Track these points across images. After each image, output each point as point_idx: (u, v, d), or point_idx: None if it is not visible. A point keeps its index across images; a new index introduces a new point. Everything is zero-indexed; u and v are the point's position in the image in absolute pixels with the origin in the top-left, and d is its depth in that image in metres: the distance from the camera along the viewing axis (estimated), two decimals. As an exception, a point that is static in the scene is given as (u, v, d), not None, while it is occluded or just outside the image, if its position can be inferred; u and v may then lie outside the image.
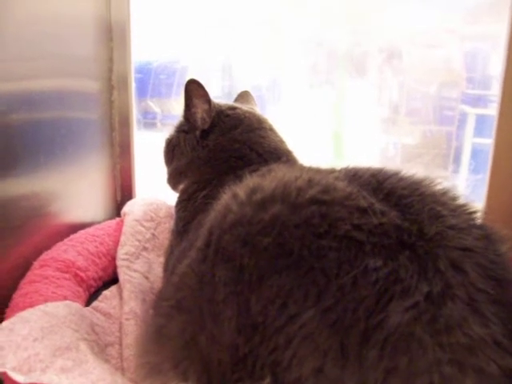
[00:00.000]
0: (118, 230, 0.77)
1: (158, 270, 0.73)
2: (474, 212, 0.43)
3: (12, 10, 0.63)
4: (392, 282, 0.35)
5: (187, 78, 0.68)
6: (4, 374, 0.49)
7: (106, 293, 0.68)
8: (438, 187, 0.46)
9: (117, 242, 0.74)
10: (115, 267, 0.72)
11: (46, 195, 0.72)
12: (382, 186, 0.44)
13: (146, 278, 0.71)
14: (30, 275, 0.63)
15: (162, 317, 0.47)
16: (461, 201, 0.45)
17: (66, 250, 0.68)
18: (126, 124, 0.93)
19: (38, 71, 0.70)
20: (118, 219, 0.82)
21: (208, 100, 0.69)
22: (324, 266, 0.37)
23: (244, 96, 0.82)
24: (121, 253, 0.72)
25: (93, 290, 0.68)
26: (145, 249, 0.75)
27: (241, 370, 0.38)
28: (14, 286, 0.62)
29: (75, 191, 0.79)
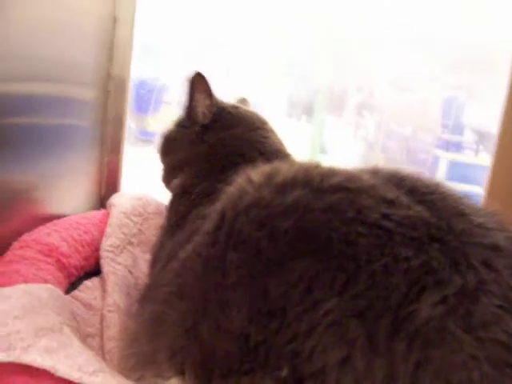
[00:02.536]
0: (103, 220, 0.73)
1: (142, 266, 0.69)
2: (496, 214, 0.42)
3: (14, 12, 0.61)
4: (424, 273, 0.33)
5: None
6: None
7: (86, 283, 0.64)
8: (455, 191, 0.45)
9: (101, 233, 0.71)
10: (98, 258, 0.68)
11: (31, 182, 0.68)
12: (403, 183, 0.43)
13: (130, 272, 0.67)
14: (9, 255, 0.59)
15: (160, 304, 0.44)
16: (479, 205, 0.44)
17: (49, 234, 0.64)
18: (118, 123, 0.91)
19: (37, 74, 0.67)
20: (103, 210, 0.78)
21: (210, 95, 0.67)
22: (354, 252, 0.35)
23: (242, 102, 0.81)
24: (105, 244, 0.69)
25: (73, 278, 0.64)
26: (130, 243, 0.72)
27: (252, 360, 0.35)
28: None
29: (60, 181, 0.76)
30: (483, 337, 0.31)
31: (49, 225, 0.67)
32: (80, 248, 0.66)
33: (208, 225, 0.44)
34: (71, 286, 0.64)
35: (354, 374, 0.32)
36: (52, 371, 0.39)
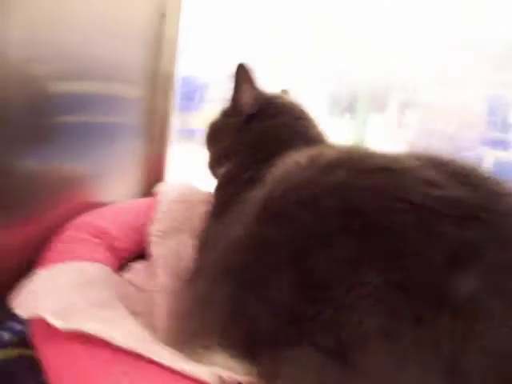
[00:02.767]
0: (151, 207, 0.76)
1: (189, 251, 0.71)
2: None
3: (65, 13, 0.64)
4: (465, 248, 0.34)
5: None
6: (32, 321, 0.48)
7: (135, 265, 0.67)
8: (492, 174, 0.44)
9: (149, 218, 0.73)
10: (146, 242, 0.71)
11: (81, 172, 0.72)
12: (443, 167, 0.43)
13: (178, 256, 0.69)
14: (64, 236, 0.62)
15: (208, 282, 0.46)
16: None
17: (100, 218, 0.67)
18: (164, 117, 0.94)
19: (87, 73, 0.70)
20: (151, 198, 0.81)
21: (255, 86, 0.69)
22: (396, 228, 0.35)
23: (284, 93, 0.82)
24: (154, 229, 0.71)
25: (122, 260, 0.67)
26: (178, 229, 0.74)
27: (297, 333, 0.36)
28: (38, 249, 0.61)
29: (108, 171, 0.79)
30: None
31: (99, 210, 0.70)
32: (129, 232, 0.69)
33: (255, 205, 0.45)
34: (120, 268, 0.66)
35: (399, 346, 0.32)
36: (109, 340, 0.41)
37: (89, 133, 0.72)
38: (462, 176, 0.42)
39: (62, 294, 0.46)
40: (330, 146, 0.59)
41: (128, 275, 0.64)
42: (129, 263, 0.68)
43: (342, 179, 0.40)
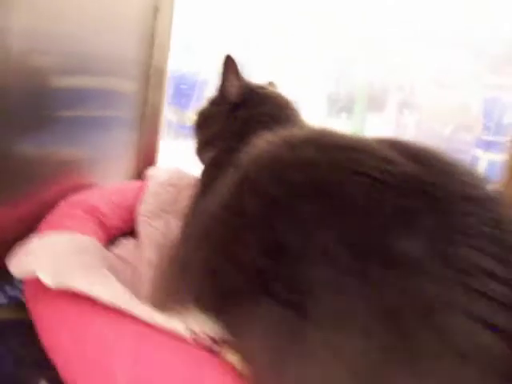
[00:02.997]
0: (141, 189, 0.81)
1: (174, 231, 0.76)
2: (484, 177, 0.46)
3: (64, 10, 0.68)
4: (409, 214, 0.38)
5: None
6: (26, 283, 0.52)
7: (123, 240, 0.72)
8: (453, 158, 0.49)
9: (138, 199, 0.78)
10: (134, 221, 0.75)
11: (77, 156, 0.76)
12: (405, 149, 0.47)
13: (163, 235, 0.74)
14: (57, 211, 0.67)
15: (188, 250, 0.51)
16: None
17: (92, 197, 0.72)
18: (157, 108, 0.98)
19: (85, 68, 0.74)
20: (141, 181, 0.85)
21: (241, 76, 0.74)
22: (352, 198, 0.40)
23: (270, 85, 0.87)
24: (142, 209, 0.76)
25: (111, 237, 0.72)
26: (165, 210, 0.78)
27: (261, 289, 0.41)
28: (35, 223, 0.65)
29: (102, 156, 0.84)
30: (455, 274, 0.36)
31: (91, 190, 0.75)
32: (118, 211, 0.74)
33: (232, 181, 0.50)
34: (109, 243, 0.71)
35: (347, 297, 0.37)
36: (96, 297, 0.46)
37: (85, 121, 0.77)
38: (420, 157, 0.46)
39: (54, 256, 0.51)
40: (303, 128, 0.63)
41: (116, 249, 0.68)
42: (117, 239, 0.72)
43: (309, 155, 0.44)
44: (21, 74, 0.61)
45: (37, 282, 0.48)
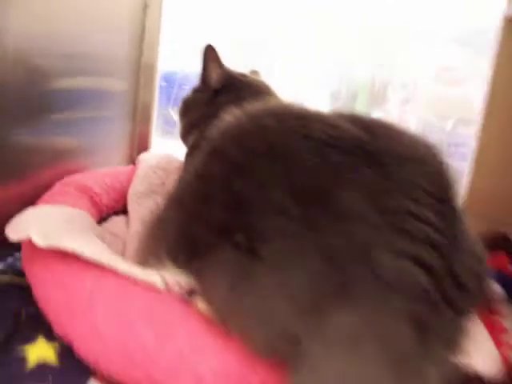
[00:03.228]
0: (132, 172, 0.87)
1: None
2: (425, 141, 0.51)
3: (56, 8, 0.73)
4: (347, 167, 0.44)
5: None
6: (22, 247, 0.58)
7: (114, 217, 0.77)
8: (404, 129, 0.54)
9: (130, 182, 0.84)
10: (125, 202, 0.81)
11: (72, 145, 0.83)
12: (357, 120, 0.53)
13: (152, 212, 0.79)
14: (51, 191, 0.72)
15: (165, 211, 0.56)
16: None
17: (85, 178, 0.78)
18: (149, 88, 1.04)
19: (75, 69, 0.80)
20: (133, 166, 0.91)
21: (221, 64, 0.80)
22: (299, 159, 0.46)
23: (254, 73, 0.93)
24: (132, 190, 0.82)
25: (103, 214, 0.77)
26: (154, 192, 0.84)
27: (223, 239, 0.47)
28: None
29: (98, 145, 0.90)
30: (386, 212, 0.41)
31: (85, 172, 0.81)
32: (110, 191, 0.80)
33: (203, 151, 0.56)
34: (101, 221, 0.77)
35: (295, 241, 0.42)
36: (80, 254, 0.52)
37: (78, 122, 0.83)
38: (369, 126, 0.52)
39: (46, 222, 0.57)
40: (266, 102, 0.69)
41: (107, 224, 0.74)
42: (109, 217, 0.78)
43: (267, 124, 0.50)
44: (18, 71, 0.67)
45: (31, 246, 0.54)
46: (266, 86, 0.83)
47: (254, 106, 0.54)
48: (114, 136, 0.98)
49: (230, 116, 0.55)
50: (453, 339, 0.43)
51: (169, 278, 0.51)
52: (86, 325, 0.48)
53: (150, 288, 0.50)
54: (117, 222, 0.76)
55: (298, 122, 0.50)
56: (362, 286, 0.39)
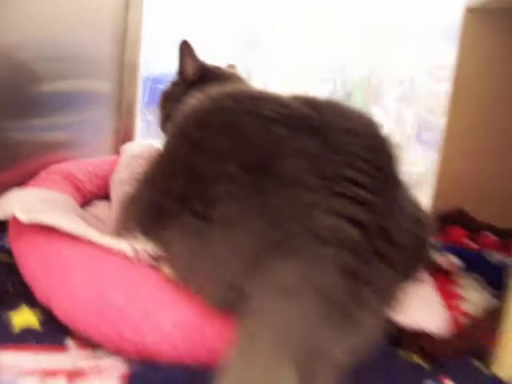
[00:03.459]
0: (115, 161, 0.92)
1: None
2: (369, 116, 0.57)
3: (42, 13, 0.78)
4: (289, 139, 0.49)
5: None
6: (10, 224, 0.64)
7: (96, 202, 0.83)
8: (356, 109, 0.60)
9: (113, 170, 0.89)
10: (109, 189, 0.87)
11: (59, 138, 0.88)
12: (310, 102, 0.58)
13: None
14: (36, 178, 0.78)
15: (137, 190, 0.62)
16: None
17: (70, 166, 0.83)
18: (133, 87, 1.10)
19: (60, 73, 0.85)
20: (116, 155, 0.97)
21: (196, 58, 0.85)
22: (250, 133, 0.51)
23: (230, 67, 0.98)
24: (115, 177, 0.87)
25: (87, 200, 0.83)
26: (136, 179, 0.89)
27: (182, 208, 0.52)
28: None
29: (84, 137, 0.96)
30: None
31: (70, 161, 0.87)
32: (94, 178, 0.85)
33: (170, 133, 0.61)
34: (85, 206, 0.82)
35: (241, 204, 0.48)
36: (59, 227, 0.57)
37: (66, 120, 0.89)
38: (318, 105, 0.57)
39: (30, 201, 0.62)
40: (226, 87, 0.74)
41: (90, 208, 0.80)
42: (92, 202, 0.83)
43: (225, 105, 0.56)
44: (8, 71, 0.73)
45: (16, 225, 0.60)
46: (238, 77, 0.88)
47: (214, 90, 0.60)
48: (101, 131, 1.03)
49: (194, 100, 0.60)
50: (387, 291, 0.48)
51: (138, 246, 0.56)
52: (62, 289, 0.53)
53: (120, 255, 0.56)
54: (99, 206, 0.82)
55: (252, 102, 0.55)
56: (300, 241, 0.45)
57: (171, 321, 0.49)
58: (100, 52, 0.98)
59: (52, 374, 0.47)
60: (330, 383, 0.40)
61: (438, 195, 0.97)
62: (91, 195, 0.83)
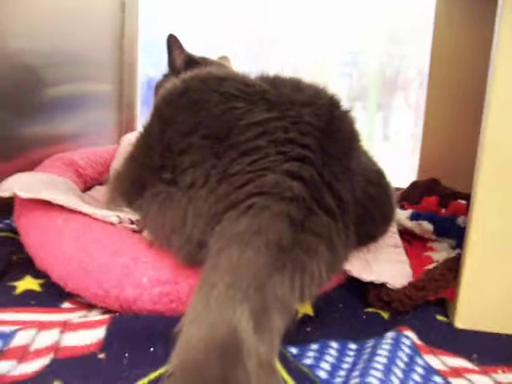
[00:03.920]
0: (115, 150, 1.00)
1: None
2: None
3: (44, 21, 0.87)
4: (248, 111, 0.56)
5: None
6: (14, 204, 0.71)
7: (97, 186, 0.90)
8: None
9: (113, 158, 0.97)
10: (108, 175, 0.94)
11: (66, 133, 0.97)
12: (276, 80, 0.64)
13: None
14: (41, 164, 0.86)
15: (121, 167, 0.69)
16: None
17: (72, 154, 0.91)
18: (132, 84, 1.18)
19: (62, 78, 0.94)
20: (117, 145, 1.05)
21: (183, 50, 0.92)
22: (213, 107, 0.57)
23: (223, 58, 1.05)
24: (114, 164, 0.95)
25: (88, 185, 0.90)
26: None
27: (157, 178, 0.59)
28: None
29: (87, 132, 1.04)
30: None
31: (72, 150, 0.95)
32: (94, 165, 0.93)
33: (149, 114, 0.68)
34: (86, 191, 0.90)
35: (205, 169, 0.54)
36: (55, 201, 0.64)
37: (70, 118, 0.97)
38: (278, 83, 0.63)
39: (31, 182, 0.70)
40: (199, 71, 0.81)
41: (90, 192, 0.87)
42: (93, 187, 0.91)
43: (193, 85, 0.62)
44: (19, 75, 0.81)
45: (19, 203, 0.68)
46: (222, 64, 0.95)
47: (186, 74, 0.66)
48: (104, 126, 1.12)
49: (169, 84, 0.67)
50: (335, 242, 0.53)
51: (122, 215, 0.63)
52: (56, 254, 0.61)
53: (106, 223, 0.63)
54: (99, 190, 0.89)
55: (217, 82, 0.61)
56: (253, 200, 0.51)
57: (148, 276, 0.56)
58: (100, 54, 1.06)
59: (47, 326, 0.53)
60: (284, 324, 0.46)
61: (422, 167, 1.02)
62: (92, 181, 0.91)
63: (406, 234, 0.81)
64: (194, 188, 0.54)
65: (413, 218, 0.82)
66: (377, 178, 0.62)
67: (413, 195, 0.91)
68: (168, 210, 0.55)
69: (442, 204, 0.86)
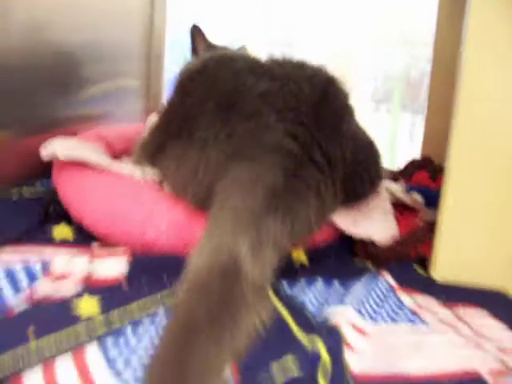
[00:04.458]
0: (143, 126, 1.10)
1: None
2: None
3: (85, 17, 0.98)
4: (255, 85, 0.66)
5: None
6: (54, 163, 0.83)
7: (125, 157, 1.01)
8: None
9: (139, 134, 1.08)
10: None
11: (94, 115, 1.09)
12: (280, 61, 0.74)
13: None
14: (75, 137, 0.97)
15: (147, 133, 0.80)
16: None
17: (101, 129, 1.02)
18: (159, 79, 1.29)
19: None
20: (143, 124, 1.16)
21: (206, 39, 1.03)
22: (225, 84, 0.68)
23: (241, 48, 1.15)
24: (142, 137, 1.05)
25: (116, 155, 1.01)
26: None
27: (177, 136, 0.69)
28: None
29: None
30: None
31: (102, 127, 1.06)
32: (123, 139, 1.04)
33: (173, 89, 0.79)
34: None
35: (211, 130, 0.65)
36: (88, 160, 0.75)
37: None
38: (283, 62, 0.73)
39: (68, 144, 0.81)
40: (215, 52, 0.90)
41: (121, 162, 0.98)
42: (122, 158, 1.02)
43: (209, 65, 0.73)
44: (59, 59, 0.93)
45: (58, 164, 0.79)
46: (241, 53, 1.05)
47: (204, 55, 0.77)
48: (132, 113, 1.24)
49: (188, 64, 0.78)
50: (323, 193, 0.63)
51: (146, 172, 0.74)
52: (88, 205, 0.72)
53: (131, 177, 0.74)
54: (127, 160, 1.00)
55: (230, 61, 0.72)
56: (252, 151, 0.61)
57: (167, 221, 0.67)
58: (130, 49, 1.17)
59: (79, 254, 0.64)
60: (276, 258, 0.55)
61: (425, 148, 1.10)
62: (120, 152, 1.02)
63: (399, 206, 0.90)
64: (205, 145, 0.64)
65: (406, 192, 0.91)
66: (366, 144, 0.72)
67: (406, 172, 1.00)
68: (183, 165, 0.66)
69: (433, 178, 0.95)
